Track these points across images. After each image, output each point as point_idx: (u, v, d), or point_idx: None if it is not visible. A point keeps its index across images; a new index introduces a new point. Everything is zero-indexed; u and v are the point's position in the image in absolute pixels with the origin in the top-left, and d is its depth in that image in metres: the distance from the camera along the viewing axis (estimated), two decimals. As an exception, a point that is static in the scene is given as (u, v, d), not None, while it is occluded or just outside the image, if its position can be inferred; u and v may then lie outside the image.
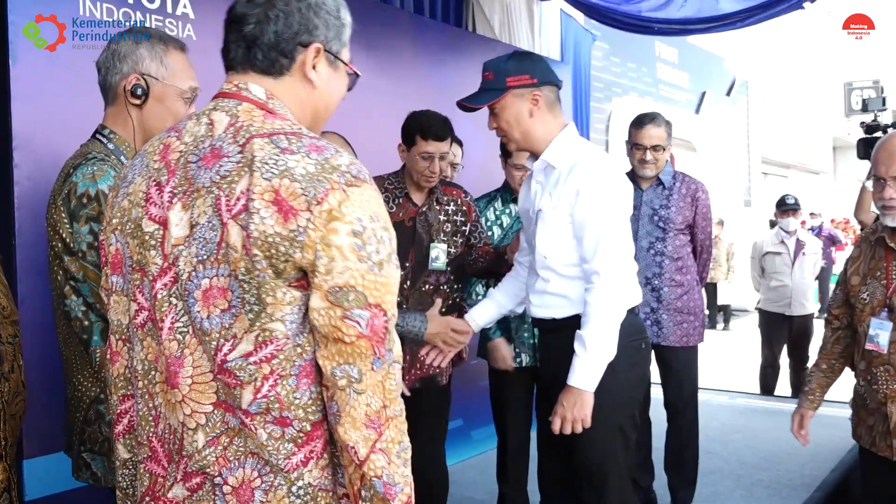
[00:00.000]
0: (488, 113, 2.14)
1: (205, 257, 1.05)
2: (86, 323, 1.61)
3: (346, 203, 1.03)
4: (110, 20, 2.59)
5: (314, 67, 1.17)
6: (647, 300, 3.23)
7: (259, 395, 1.04)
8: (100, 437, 1.63)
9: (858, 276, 2.17)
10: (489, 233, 2.97)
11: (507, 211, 3.07)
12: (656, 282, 3.24)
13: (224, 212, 1.04)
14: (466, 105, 2.14)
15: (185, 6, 2.82)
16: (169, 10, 2.78)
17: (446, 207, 2.78)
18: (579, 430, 2.05)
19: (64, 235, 1.58)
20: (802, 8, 4.41)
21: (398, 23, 4.05)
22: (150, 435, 1.14)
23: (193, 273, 1.06)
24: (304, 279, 1.04)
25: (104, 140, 1.70)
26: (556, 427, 2.05)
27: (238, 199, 1.03)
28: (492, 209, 3.07)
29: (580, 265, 2.09)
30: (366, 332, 1.03)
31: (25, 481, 2.34)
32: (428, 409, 2.68)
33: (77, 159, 1.65)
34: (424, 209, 2.71)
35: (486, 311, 2.42)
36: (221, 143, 1.08)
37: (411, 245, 2.65)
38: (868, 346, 2.09)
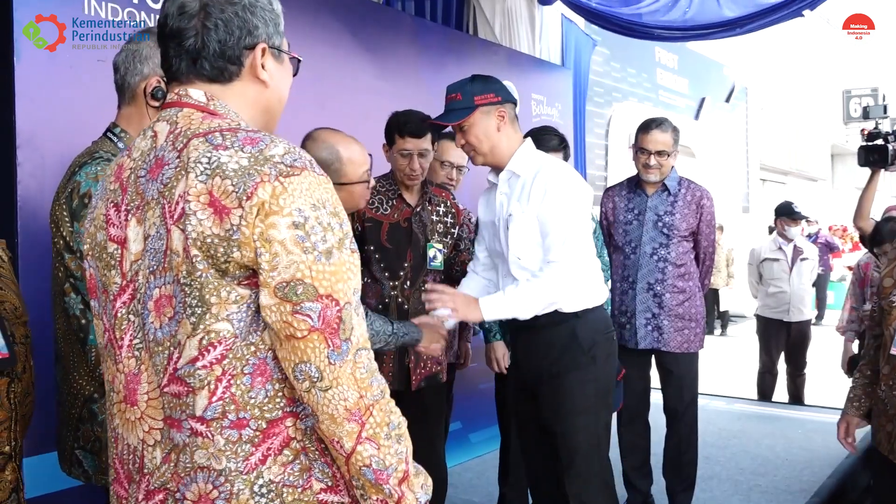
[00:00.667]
0: (455, 132, 2.32)
1: (155, 267, 1.05)
2: (83, 321, 1.62)
3: (283, 195, 1.00)
4: (114, 20, 2.60)
5: (263, 67, 1.16)
6: (648, 306, 3.24)
7: (214, 399, 1.02)
8: (92, 435, 1.64)
9: (892, 278, 2.11)
10: None
11: None
12: (658, 287, 3.24)
13: (168, 218, 1.03)
14: (437, 123, 2.31)
15: (188, 7, 2.83)
16: (173, 10, 2.79)
17: (437, 208, 2.82)
18: (445, 312, 2.16)
19: (65, 234, 1.60)
20: (802, 15, 4.44)
21: (399, 25, 4.06)
22: (113, 457, 1.14)
23: (146, 285, 1.06)
24: (253, 276, 1.02)
25: (114, 139, 1.71)
26: (433, 297, 2.17)
27: (177, 203, 1.02)
28: None
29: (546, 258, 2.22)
30: (318, 324, 1.01)
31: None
32: (431, 407, 2.69)
33: (83, 157, 1.66)
34: (418, 209, 2.74)
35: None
36: (163, 153, 1.08)
37: (409, 245, 2.67)
38: (893, 351, 2.02)
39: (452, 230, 2.84)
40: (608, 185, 3.74)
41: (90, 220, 1.19)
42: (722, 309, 10.90)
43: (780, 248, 5.68)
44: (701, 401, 3.47)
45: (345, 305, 1.03)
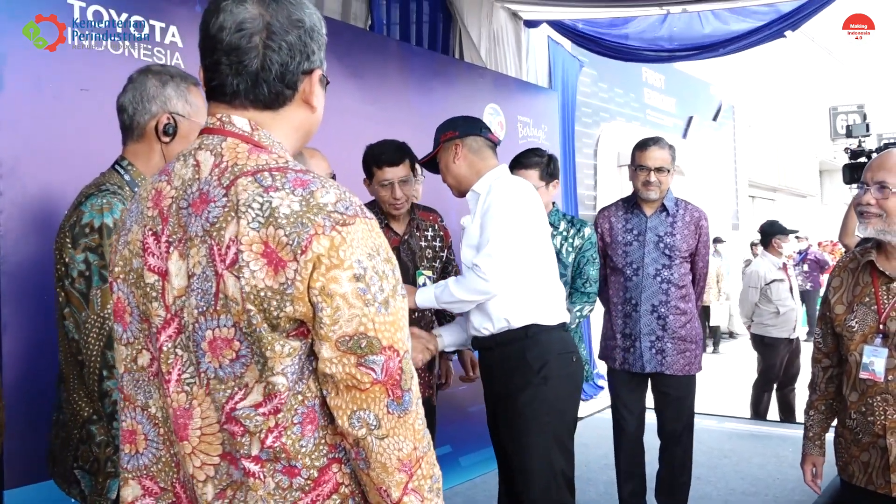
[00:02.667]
0: None
1: (204, 309, 1.02)
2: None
3: (342, 246, 0.98)
4: (99, 49, 2.61)
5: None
6: (652, 328, 3.21)
7: (265, 446, 1.02)
8: (90, 456, 1.68)
9: (843, 304, 2.08)
10: None
11: None
12: (662, 309, 3.21)
13: (218, 262, 1.00)
14: (419, 162, 2.50)
15: (173, 35, 2.85)
16: (157, 38, 2.80)
17: (426, 233, 2.82)
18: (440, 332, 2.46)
19: (66, 259, 1.65)
20: (784, 36, 4.51)
21: (385, 50, 4.09)
22: (174, 480, 1.12)
23: (197, 325, 1.03)
24: (302, 327, 1.01)
25: (121, 171, 1.76)
26: None
27: (228, 247, 1.00)
28: None
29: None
30: (381, 377, 1.00)
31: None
32: None
33: (91, 189, 1.72)
34: (406, 237, 2.75)
35: (453, 332, 2.53)
36: (208, 187, 1.05)
37: None
38: (862, 375, 1.99)
39: (441, 253, 2.84)
40: (597, 205, 3.74)
41: (123, 243, 1.15)
42: (712, 325, 10.89)
43: (779, 268, 5.72)
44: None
45: (404, 355, 1.03)
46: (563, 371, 2.34)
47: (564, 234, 3.12)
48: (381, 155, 2.66)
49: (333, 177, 2.23)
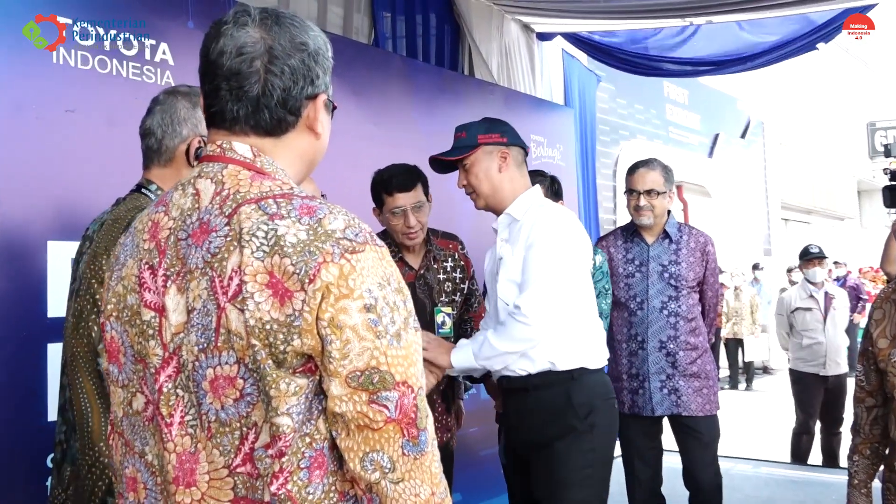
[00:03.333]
0: (458, 171, 2.37)
1: (204, 346, 1.02)
2: None
3: (352, 275, 0.99)
4: (85, 68, 2.64)
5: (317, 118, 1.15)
6: (661, 366, 3.17)
7: (272, 493, 1.01)
8: None
9: (886, 338, 2.06)
10: None
11: None
12: (671, 345, 3.17)
13: (220, 295, 1.00)
14: (440, 159, 2.35)
15: (164, 52, 2.89)
16: (147, 56, 2.84)
17: (444, 264, 2.75)
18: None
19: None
20: (816, 49, 4.53)
21: (390, 66, 4.13)
22: None
23: (197, 363, 1.03)
24: (310, 363, 1.01)
25: (151, 195, 1.77)
26: None
27: (231, 278, 1.00)
28: None
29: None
30: (395, 415, 1.00)
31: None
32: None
33: (131, 212, 1.71)
34: (422, 272, 2.69)
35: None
36: (209, 217, 1.05)
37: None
38: None
39: (462, 286, 2.78)
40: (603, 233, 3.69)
41: (117, 278, 1.15)
42: (747, 360, 10.79)
43: (811, 296, 5.59)
44: (724, 464, 3.41)
45: (419, 391, 1.03)
46: (607, 418, 2.27)
47: None
48: (391, 180, 2.59)
49: (323, 197, 2.23)
